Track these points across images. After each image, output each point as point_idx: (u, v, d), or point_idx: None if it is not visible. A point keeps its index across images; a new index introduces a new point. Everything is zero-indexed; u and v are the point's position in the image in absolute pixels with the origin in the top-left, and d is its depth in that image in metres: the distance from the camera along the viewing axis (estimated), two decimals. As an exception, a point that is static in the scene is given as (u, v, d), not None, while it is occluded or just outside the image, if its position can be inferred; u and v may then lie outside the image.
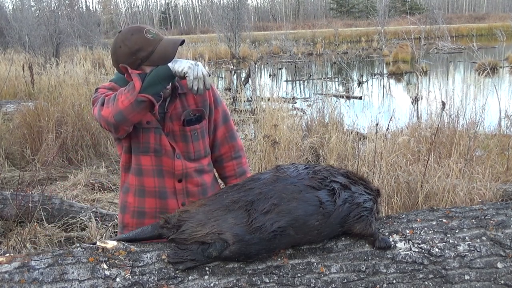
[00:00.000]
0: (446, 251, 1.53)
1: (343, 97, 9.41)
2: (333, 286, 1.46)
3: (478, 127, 4.54)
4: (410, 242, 1.55)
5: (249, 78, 9.16)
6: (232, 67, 19.60)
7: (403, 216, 1.69)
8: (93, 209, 3.61)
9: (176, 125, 1.77)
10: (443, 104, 3.67)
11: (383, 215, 2.10)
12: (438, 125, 4.19)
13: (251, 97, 8.36)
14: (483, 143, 4.49)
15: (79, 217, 3.51)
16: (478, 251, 1.54)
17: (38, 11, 24.58)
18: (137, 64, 1.65)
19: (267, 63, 20.29)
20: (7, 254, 1.44)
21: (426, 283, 1.50)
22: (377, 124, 4.24)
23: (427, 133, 4.36)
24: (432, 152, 3.85)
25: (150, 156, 1.75)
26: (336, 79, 14.94)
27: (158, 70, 1.55)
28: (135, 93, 1.51)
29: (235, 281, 1.43)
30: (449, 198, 3.31)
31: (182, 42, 1.68)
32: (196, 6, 69.76)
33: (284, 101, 6.86)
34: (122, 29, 1.71)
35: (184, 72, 1.53)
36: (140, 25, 1.68)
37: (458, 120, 4.49)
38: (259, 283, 1.43)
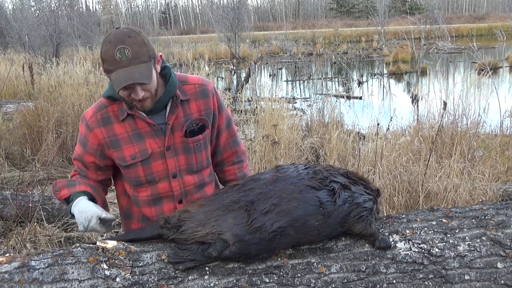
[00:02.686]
0: (446, 251, 1.53)
1: (343, 97, 9.41)
2: (333, 286, 1.46)
3: (479, 127, 4.54)
4: (410, 242, 1.55)
5: (249, 78, 9.16)
6: (232, 67, 19.60)
7: (403, 216, 1.69)
8: (93, 209, 3.61)
9: (177, 136, 1.68)
10: (445, 104, 3.66)
11: (384, 214, 2.10)
12: (440, 125, 4.19)
13: (251, 97, 8.36)
14: (484, 143, 4.49)
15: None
16: (478, 251, 1.54)
17: (38, 11, 24.60)
18: (104, 69, 1.56)
19: (267, 63, 20.29)
20: (7, 254, 1.44)
21: (426, 283, 1.50)
22: (378, 124, 4.23)
23: (429, 133, 4.36)
24: (433, 152, 3.85)
25: (145, 187, 1.71)
26: (336, 79, 14.94)
27: (70, 209, 1.65)
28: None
29: (235, 281, 1.42)
30: (450, 198, 3.31)
31: (131, 84, 1.51)
32: (196, 6, 69.80)
33: (284, 101, 6.85)
34: (121, 27, 1.57)
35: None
36: (126, 36, 1.50)
37: (460, 120, 4.49)
38: (259, 283, 1.43)
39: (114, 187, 1.91)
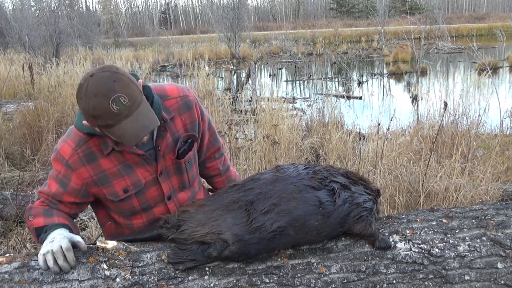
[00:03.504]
0: (446, 251, 1.53)
1: (343, 97, 9.41)
2: (333, 286, 1.46)
3: (479, 127, 4.54)
4: (410, 242, 1.55)
5: (249, 78, 9.16)
6: (232, 67, 19.60)
7: (403, 216, 1.68)
8: (93, 209, 3.61)
9: (169, 159, 1.59)
10: (445, 104, 3.66)
11: (384, 214, 2.10)
12: (440, 125, 4.19)
13: (251, 97, 8.36)
14: (484, 143, 4.49)
15: (79, 217, 3.51)
16: (478, 251, 1.53)
17: (38, 11, 24.62)
18: (95, 126, 1.39)
19: (267, 63, 20.30)
20: (7, 254, 1.44)
21: (426, 283, 1.50)
22: (379, 124, 4.24)
23: (429, 133, 4.36)
24: (433, 152, 3.85)
25: (139, 215, 1.63)
26: (336, 79, 14.94)
27: (41, 240, 1.43)
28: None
29: (235, 281, 1.42)
30: (451, 198, 3.31)
31: (153, 127, 1.38)
32: (196, 6, 69.81)
33: (284, 101, 6.85)
34: (95, 72, 1.34)
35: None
36: (112, 82, 1.31)
37: (460, 120, 4.49)
38: (259, 283, 1.43)
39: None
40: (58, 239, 1.38)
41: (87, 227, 3.41)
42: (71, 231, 1.49)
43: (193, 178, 1.73)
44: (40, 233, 1.47)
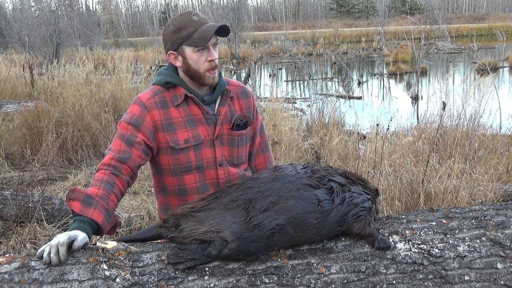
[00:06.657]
0: (446, 251, 1.53)
1: (343, 97, 9.41)
2: (333, 286, 1.46)
3: (480, 128, 4.54)
4: (410, 242, 1.55)
5: (249, 78, 9.16)
6: (232, 67, 19.61)
7: (403, 216, 1.69)
8: (93, 209, 3.61)
9: (225, 128, 1.78)
10: (444, 104, 3.66)
11: (385, 215, 2.10)
12: (439, 125, 4.20)
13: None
14: (484, 143, 4.49)
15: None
16: (478, 252, 1.54)
17: (38, 11, 24.62)
18: (178, 43, 1.69)
19: (267, 63, 20.30)
20: (7, 255, 1.44)
21: (426, 283, 1.50)
22: (377, 125, 4.24)
23: (429, 134, 4.36)
24: (434, 153, 3.84)
25: (193, 174, 1.76)
26: (336, 79, 14.93)
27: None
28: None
29: (235, 281, 1.42)
30: (451, 199, 3.31)
31: (223, 28, 1.67)
32: (196, 6, 69.78)
33: (284, 101, 6.85)
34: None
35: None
36: (192, 10, 1.73)
37: (461, 120, 4.49)
38: (259, 283, 1.43)
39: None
40: (62, 235, 1.44)
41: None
42: (97, 228, 1.49)
43: (241, 158, 1.85)
44: (74, 214, 1.52)
